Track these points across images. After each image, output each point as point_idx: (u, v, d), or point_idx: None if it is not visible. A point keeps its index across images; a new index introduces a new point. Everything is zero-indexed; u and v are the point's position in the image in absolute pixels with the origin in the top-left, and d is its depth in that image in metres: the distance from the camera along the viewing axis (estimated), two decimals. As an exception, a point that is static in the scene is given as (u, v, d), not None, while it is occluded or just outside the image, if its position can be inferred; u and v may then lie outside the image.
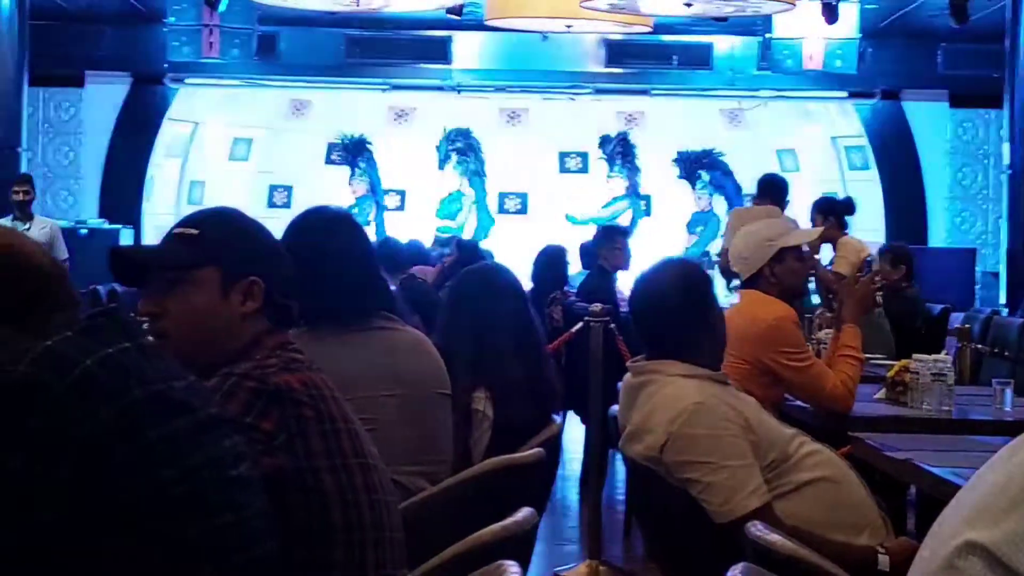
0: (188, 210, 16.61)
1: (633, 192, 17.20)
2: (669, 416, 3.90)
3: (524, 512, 2.97)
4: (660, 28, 12.22)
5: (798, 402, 5.59)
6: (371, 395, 3.68)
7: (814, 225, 8.80)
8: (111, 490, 2.07)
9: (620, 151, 17.06)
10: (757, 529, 3.13)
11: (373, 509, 2.69)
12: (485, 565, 2.65)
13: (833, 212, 9.18)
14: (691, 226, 17.21)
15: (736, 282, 6.62)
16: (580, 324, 7.51)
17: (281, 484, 2.52)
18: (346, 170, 17.23)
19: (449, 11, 11.83)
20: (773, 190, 9.45)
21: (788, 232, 5.68)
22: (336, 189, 16.72)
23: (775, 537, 3.05)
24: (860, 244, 9.12)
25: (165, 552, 2.11)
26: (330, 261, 3.75)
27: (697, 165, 17.12)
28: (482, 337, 4.69)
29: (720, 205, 17.00)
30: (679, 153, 17.12)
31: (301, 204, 16.68)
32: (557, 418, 4.68)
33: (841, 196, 16.63)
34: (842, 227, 9.15)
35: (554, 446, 4.42)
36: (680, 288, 4.10)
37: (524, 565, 2.83)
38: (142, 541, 2.09)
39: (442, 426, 3.95)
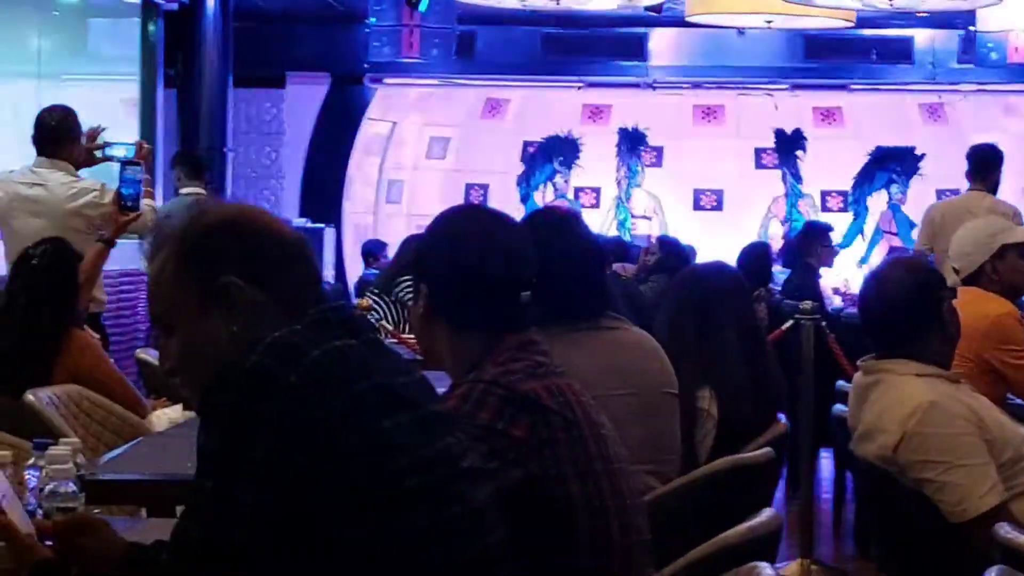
0: (386, 209, 17.02)
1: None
2: (903, 415, 3.88)
3: (768, 513, 2.98)
4: (861, 22, 12.04)
5: (1019, 400, 5.51)
6: (602, 394, 3.69)
7: None
8: (345, 479, 2.11)
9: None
10: (1006, 531, 3.10)
11: (620, 515, 2.71)
12: (733, 567, 2.65)
13: None
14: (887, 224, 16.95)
15: None
16: (790, 322, 7.45)
17: (530, 491, 2.55)
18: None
19: (649, 8, 11.82)
20: (984, 167, 8.99)
21: (1011, 228, 5.60)
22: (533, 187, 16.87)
23: (1025, 539, 3.01)
24: None
25: (395, 541, 2.14)
26: (561, 260, 3.78)
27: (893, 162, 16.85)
28: (707, 336, 4.69)
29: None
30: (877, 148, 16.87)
31: (496, 202, 16.85)
32: (782, 417, 4.67)
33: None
34: None
35: (780, 445, 4.41)
36: (912, 286, 4.07)
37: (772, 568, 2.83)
38: (374, 530, 2.12)
39: (671, 425, 3.97)
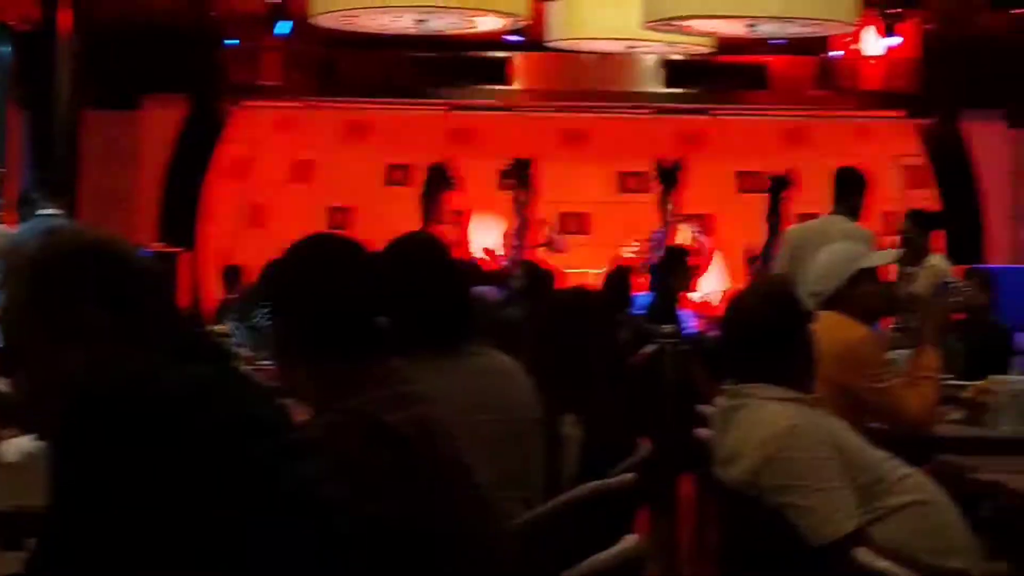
0: (247, 234, 16.84)
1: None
2: (765, 439, 3.90)
3: (632, 538, 2.97)
4: (721, 48, 12.20)
5: (874, 424, 5.57)
6: (467, 420, 3.68)
7: (907, 236, 8.75)
8: (205, 507, 2.07)
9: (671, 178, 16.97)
10: (866, 556, 3.12)
11: (482, 545, 2.70)
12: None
13: (926, 225, 8.99)
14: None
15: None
16: (652, 346, 7.50)
17: (391, 525, 2.53)
18: (403, 191, 17.22)
19: (510, 32, 11.85)
20: (843, 190, 9.03)
21: (868, 253, 5.68)
22: (396, 211, 16.73)
23: (884, 563, 3.04)
24: (945, 266, 8.94)
25: (253, 571, 2.10)
26: (424, 286, 3.77)
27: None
28: (571, 361, 4.70)
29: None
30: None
31: (360, 226, 16.79)
32: (645, 441, 4.68)
33: (903, 215, 16.68)
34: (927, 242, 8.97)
35: (643, 469, 4.42)
36: (773, 311, 4.11)
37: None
38: (232, 558, 2.08)
39: (535, 452, 3.96)
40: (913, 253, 8.77)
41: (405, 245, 3.98)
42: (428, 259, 3.86)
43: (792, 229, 9.66)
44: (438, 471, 2.63)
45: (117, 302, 2.26)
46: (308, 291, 2.81)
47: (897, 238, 8.88)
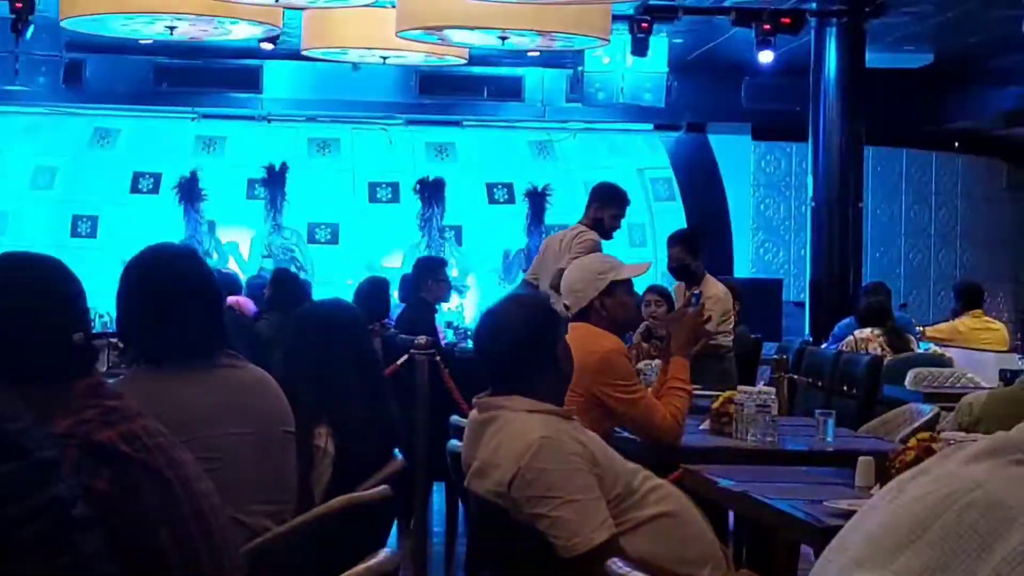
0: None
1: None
2: (516, 451, 3.92)
3: (385, 552, 2.95)
4: (473, 60, 12.27)
5: (626, 434, 5.66)
6: (218, 433, 3.64)
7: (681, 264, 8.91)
8: None
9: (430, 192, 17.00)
10: (618, 567, 3.16)
11: (212, 556, 2.65)
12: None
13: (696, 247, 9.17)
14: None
15: None
16: (405, 356, 7.48)
17: (118, 544, 2.46)
18: (151, 198, 16.92)
19: (263, 40, 11.73)
20: (589, 201, 9.11)
21: (619, 266, 5.75)
22: (142, 219, 16.42)
23: (636, 574, 3.07)
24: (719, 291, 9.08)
25: None
26: (175, 299, 3.70)
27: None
28: (325, 371, 4.66)
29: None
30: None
31: (106, 234, 16.43)
32: (398, 453, 4.67)
33: (648, 227, 17.00)
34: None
35: (396, 481, 4.40)
36: (525, 324, 4.13)
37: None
38: None
39: (288, 464, 3.91)
40: (690, 276, 8.98)
41: (155, 255, 3.90)
42: (178, 269, 3.78)
43: (546, 238, 9.83)
44: (156, 484, 2.56)
45: None
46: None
47: (672, 264, 9.06)
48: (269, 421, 3.84)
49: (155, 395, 3.55)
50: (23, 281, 2.78)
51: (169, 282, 3.69)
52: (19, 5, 11.68)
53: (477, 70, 15.68)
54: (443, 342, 10.06)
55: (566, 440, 3.95)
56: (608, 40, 10.18)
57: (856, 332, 9.94)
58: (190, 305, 3.68)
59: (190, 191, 16.48)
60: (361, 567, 2.87)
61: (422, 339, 7.33)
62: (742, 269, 16.57)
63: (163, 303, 3.64)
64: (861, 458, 4.59)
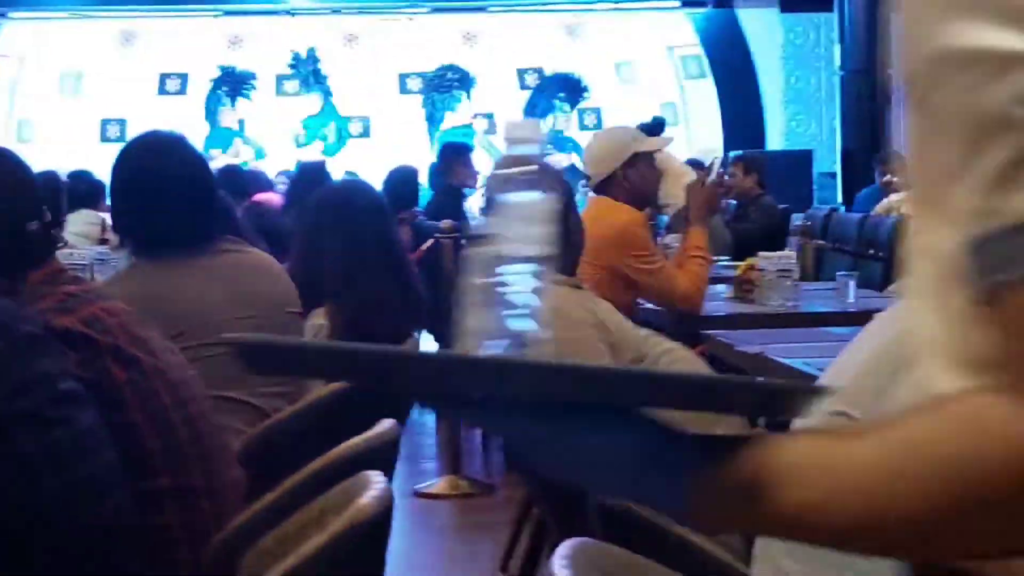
0: (19, 149, 16.32)
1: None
2: (526, 322, 3.90)
3: (385, 424, 2.94)
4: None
5: (649, 305, 5.64)
6: (224, 318, 3.63)
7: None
8: None
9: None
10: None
11: (191, 432, 2.62)
12: (348, 478, 2.61)
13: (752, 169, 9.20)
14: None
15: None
16: (430, 241, 7.46)
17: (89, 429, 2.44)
18: (179, 100, 16.90)
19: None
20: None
21: (643, 137, 5.69)
22: (169, 120, 16.37)
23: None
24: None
25: (2, 469, 2.08)
26: (168, 186, 3.67)
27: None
28: (345, 248, 4.62)
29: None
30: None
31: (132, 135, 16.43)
32: (415, 334, 4.66)
33: (679, 106, 16.84)
34: None
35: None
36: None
37: (388, 477, 2.80)
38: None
39: (297, 344, 3.90)
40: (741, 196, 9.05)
41: (146, 142, 3.87)
42: (170, 156, 3.75)
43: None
44: (133, 375, 2.52)
45: None
46: None
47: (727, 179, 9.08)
48: (274, 303, 3.84)
49: (154, 285, 3.56)
50: None
51: (155, 169, 3.66)
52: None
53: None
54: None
55: (575, 309, 3.95)
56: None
57: (890, 197, 9.84)
58: (178, 191, 3.65)
59: (217, 89, 16.44)
60: (358, 439, 2.86)
61: (447, 223, 7.30)
62: (773, 142, 16.44)
63: (151, 190, 3.62)
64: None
